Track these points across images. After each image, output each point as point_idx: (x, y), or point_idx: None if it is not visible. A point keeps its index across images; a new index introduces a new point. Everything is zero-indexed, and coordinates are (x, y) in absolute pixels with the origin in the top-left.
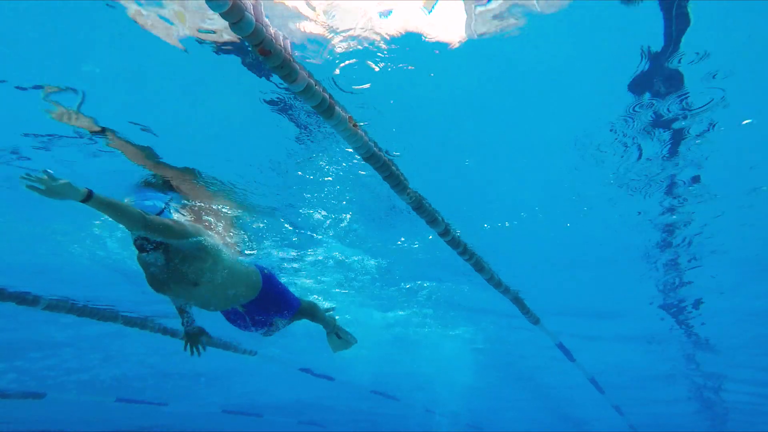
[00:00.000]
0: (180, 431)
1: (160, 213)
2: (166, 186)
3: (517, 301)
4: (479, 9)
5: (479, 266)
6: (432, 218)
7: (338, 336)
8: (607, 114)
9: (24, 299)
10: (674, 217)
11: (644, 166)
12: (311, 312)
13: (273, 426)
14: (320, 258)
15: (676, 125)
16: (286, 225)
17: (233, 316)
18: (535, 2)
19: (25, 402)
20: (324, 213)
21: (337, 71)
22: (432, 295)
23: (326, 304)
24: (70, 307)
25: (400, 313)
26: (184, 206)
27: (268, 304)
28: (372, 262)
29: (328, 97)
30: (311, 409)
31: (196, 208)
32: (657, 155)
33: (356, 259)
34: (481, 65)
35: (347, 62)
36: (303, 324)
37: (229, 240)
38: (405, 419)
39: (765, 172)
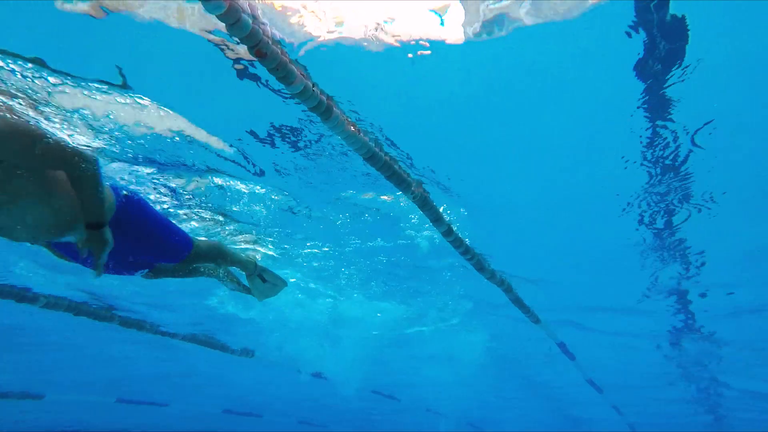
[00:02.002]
0: (180, 431)
1: None
2: None
3: (518, 301)
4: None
5: (480, 266)
6: (436, 217)
7: (263, 279)
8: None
9: (23, 296)
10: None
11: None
12: (216, 254)
13: (273, 426)
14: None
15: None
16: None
17: (66, 251)
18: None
19: (25, 402)
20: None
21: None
22: (437, 289)
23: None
24: (67, 305)
25: (401, 307)
26: None
27: (129, 241)
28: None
29: (325, 98)
30: (311, 409)
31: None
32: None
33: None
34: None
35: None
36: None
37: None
38: (405, 419)
39: None
